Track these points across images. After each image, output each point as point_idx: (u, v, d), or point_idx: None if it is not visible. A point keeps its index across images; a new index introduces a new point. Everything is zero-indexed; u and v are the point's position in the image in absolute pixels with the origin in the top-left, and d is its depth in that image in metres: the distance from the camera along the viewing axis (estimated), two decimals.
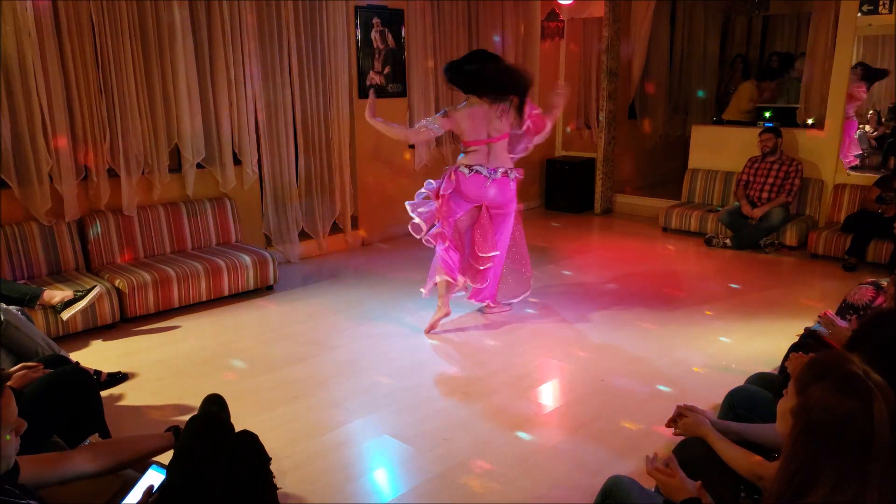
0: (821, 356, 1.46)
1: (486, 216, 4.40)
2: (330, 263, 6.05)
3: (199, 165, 5.25)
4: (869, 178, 6.29)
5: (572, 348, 4.13)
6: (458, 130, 4.35)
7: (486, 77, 4.25)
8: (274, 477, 2.27)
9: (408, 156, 6.87)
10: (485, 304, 4.70)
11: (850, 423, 1.30)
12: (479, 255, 4.38)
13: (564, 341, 4.25)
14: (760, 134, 6.35)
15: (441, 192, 4.29)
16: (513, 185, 4.40)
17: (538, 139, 4.60)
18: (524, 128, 4.47)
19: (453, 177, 4.29)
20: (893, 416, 1.30)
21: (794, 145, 6.51)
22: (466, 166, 4.28)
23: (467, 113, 4.28)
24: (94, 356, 3.94)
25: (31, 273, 4.42)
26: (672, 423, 2.21)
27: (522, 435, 3.12)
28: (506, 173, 4.32)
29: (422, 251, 6.39)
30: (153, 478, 1.92)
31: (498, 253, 4.46)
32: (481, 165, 4.28)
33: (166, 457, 2.06)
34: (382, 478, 2.82)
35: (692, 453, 2.07)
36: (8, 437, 1.58)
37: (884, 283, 3.43)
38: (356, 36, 6.15)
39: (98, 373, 3.53)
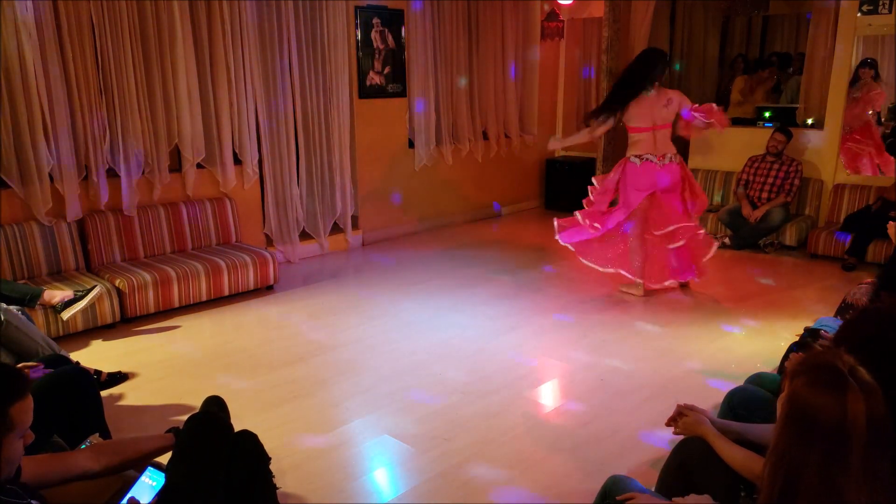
0: (813, 352, 1.49)
1: (658, 199, 4.84)
2: (330, 263, 6.06)
3: (199, 165, 5.26)
4: (867, 178, 6.30)
5: (572, 348, 4.13)
6: (626, 118, 4.81)
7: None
8: (273, 477, 2.27)
9: (407, 156, 6.88)
10: (687, 280, 5.15)
11: (820, 415, 1.34)
12: (656, 233, 4.86)
13: (564, 341, 4.25)
14: (774, 133, 6.36)
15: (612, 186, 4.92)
16: (678, 168, 4.82)
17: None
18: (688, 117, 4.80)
19: (623, 168, 4.87)
20: (872, 415, 1.32)
21: (794, 145, 6.51)
22: (636, 156, 4.77)
23: (634, 102, 4.75)
24: (94, 356, 3.94)
25: (31, 273, 4.42)
26: (672, 422, 2.21)
27: (522, 435, 3.13)
28: (671, 159, 4.77)
29: (421, 251, 6.41)
30: (150, 480, 1.92)
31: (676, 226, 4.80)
32: (650, 154, 4.73)
33: (167, 458, 2.06)
34: (382, 478, 2.82)
35: (692, 453, 2.07)
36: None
37: None
38: (356, 36, 6.15)
39: (98, 373, 3.53)
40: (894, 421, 1.38)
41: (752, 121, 7.84)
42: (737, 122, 7.96)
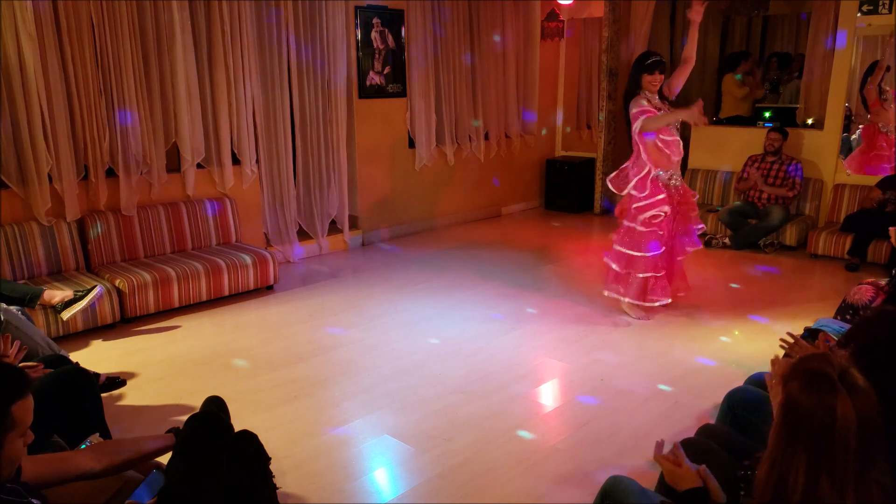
0: (807, 356, 1.51)
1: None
2: (330, 263, 6.06)
3: (199, 165, 5.26)
4: (867, 178, 6.30)
5: (572, 348, 4.13)
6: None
7: None
8: (274, 477, 2.27)
9: (408, 156, 6.87)
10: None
11: (810, 417, 1.37)
12: None
13: (564, 341, 4.25)
14: (769, 132, 6.36)
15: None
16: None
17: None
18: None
19: None
20: (862, 418, 1.34)
21: (794, 145, 6.51)
22: None
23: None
24: (94, 356, 3.94)
25: (31, 273, 4.42)
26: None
27: (523, 435, 3.13)
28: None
29: (421, 251, 6.41)
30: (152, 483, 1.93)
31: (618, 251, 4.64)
32: None
33: (167, 458, 2.07)
34: (382, 478, 2.83)
35: (693, 452, 2.07)
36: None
37: (882, 283, 3.43)
38: (356, 36, 6.15)
39: (96, 375, 3.52)
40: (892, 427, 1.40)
41: (751, 120, 7.84)
42: (736, 121, 7.97)
